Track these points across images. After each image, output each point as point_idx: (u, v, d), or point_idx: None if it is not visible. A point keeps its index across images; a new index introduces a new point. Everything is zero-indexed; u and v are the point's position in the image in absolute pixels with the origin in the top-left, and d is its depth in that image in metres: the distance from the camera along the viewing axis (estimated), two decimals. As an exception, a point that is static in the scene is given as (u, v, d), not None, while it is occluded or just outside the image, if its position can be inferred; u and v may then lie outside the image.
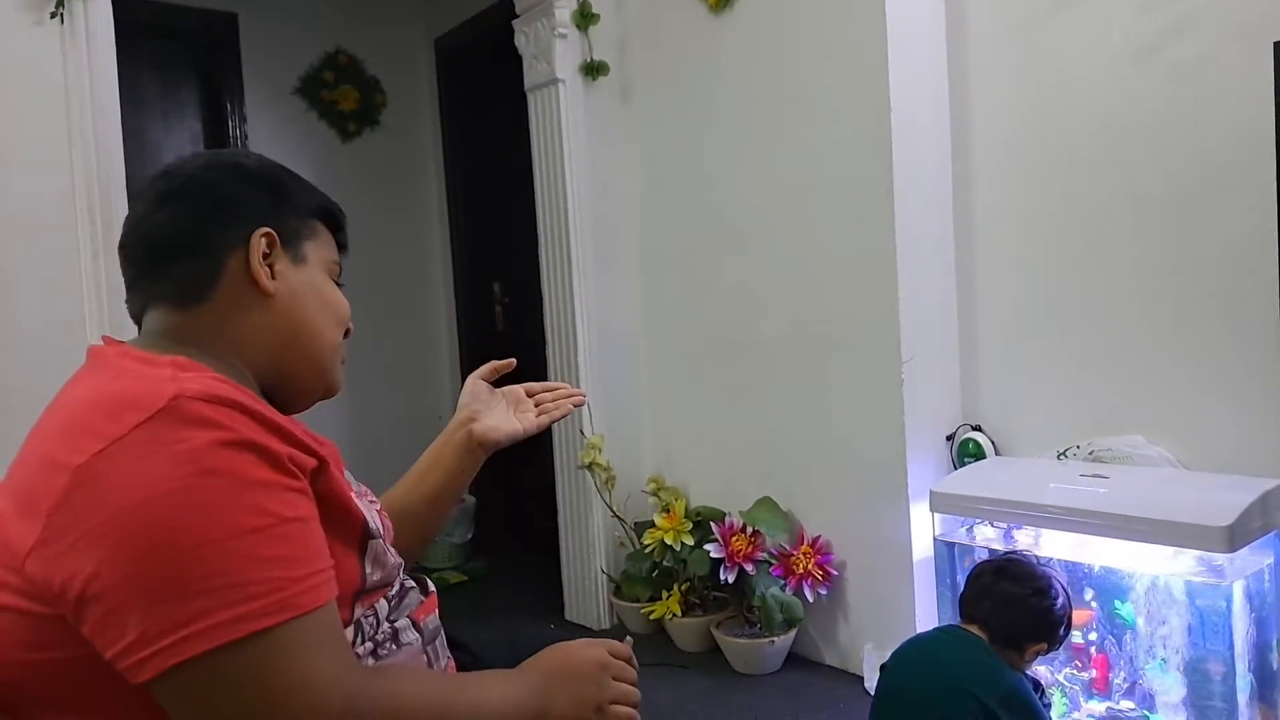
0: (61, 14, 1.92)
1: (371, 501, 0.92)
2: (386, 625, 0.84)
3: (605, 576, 2.71)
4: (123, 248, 0.86)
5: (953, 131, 2.16)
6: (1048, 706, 1.53)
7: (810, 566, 2.21)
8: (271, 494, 0.68)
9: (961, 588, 1.62)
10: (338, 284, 0.93)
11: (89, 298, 1.96)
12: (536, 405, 1.20)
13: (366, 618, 0.82)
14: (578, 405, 1.23)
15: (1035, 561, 1.62)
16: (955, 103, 2.15)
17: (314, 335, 0.87)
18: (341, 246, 0.95)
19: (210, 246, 0.83)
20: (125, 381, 0.72)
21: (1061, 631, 1.54)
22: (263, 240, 0.84)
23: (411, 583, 0.92)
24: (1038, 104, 2.01)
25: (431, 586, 0.96)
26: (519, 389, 1.21)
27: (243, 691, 0.65)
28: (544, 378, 2.79)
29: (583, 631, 2.71)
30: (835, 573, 2.23)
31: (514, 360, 1.24)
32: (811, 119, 2.24)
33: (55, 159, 1.93)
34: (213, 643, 0.63)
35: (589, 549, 2.73)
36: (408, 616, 0.88)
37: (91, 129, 1.97)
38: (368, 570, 0.81)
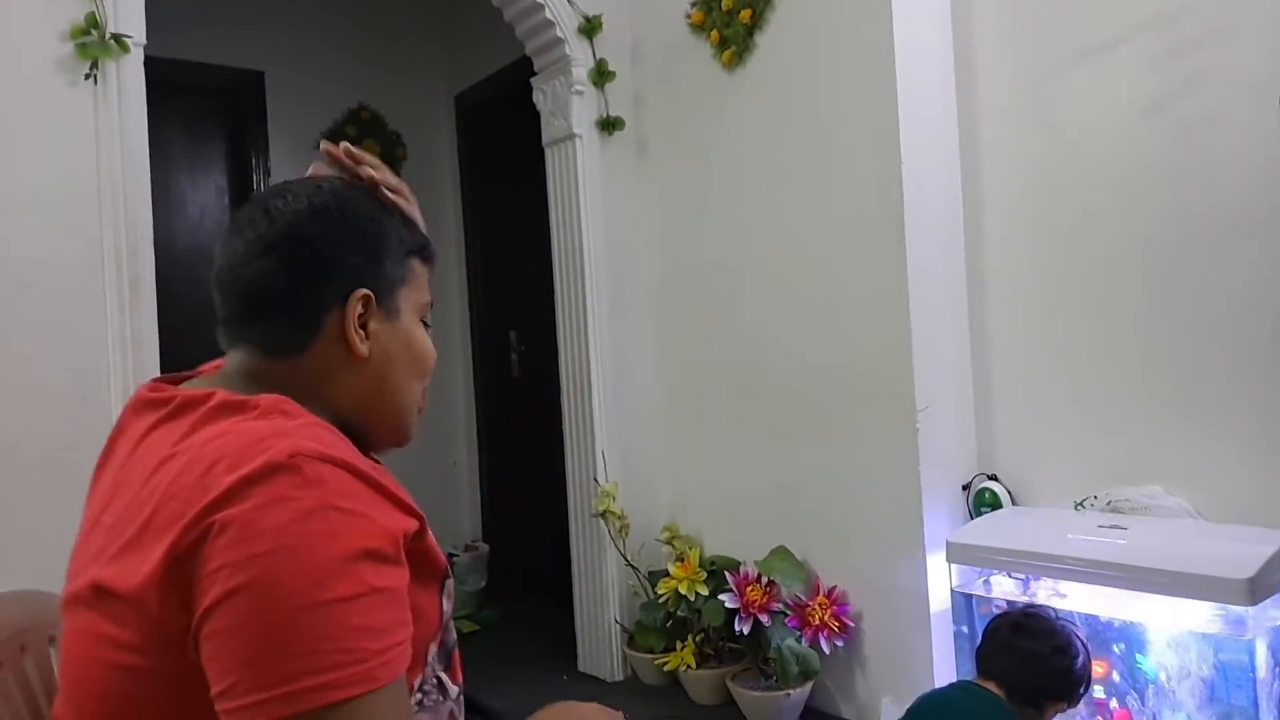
0: (95, 75, 1.99)
1: None
2: (433, 674, 0.85)
3: (619, 626, 2.69)
4: (219, 285, 0.85)
5: (964, 184, 2.19)
6: None
7: (826, 618, 2.19)
8: (369, 564, 0.69)
9: (979, 641, 1.61)
10: (427, 325, 0.93)
11: (114, 349, 1.99)
12: None
13: (423, 678, 0.83)
14: None
15: (1054, 616, 1.61)
16: (966, 155, 2.19)
17: (400, 394, 0.89)
18: (431, 260, 0.95)
19: (309, 305, 0.83)
20: (237, 432, 0.73)
21: (1081, 690, 1.52)
22: (360, 303, 0.84)
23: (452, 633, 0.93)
24: (1048, 157, 2.04)
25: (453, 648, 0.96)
26: None
27: None
28: (559, 424, 2.82)
29: (595, 683, 2.69)
30: (852, 624, 2.21)
31: None
32: (824, 172, 2.28)
33: (85, 214, 1.98)
34: (295, 708, 0.64)
35: (602, 598, 2.72)
36: (446, 674, 0.88)
37: (121, 185, 2.02)
38: (445, 608, 0.83)
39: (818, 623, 2.19)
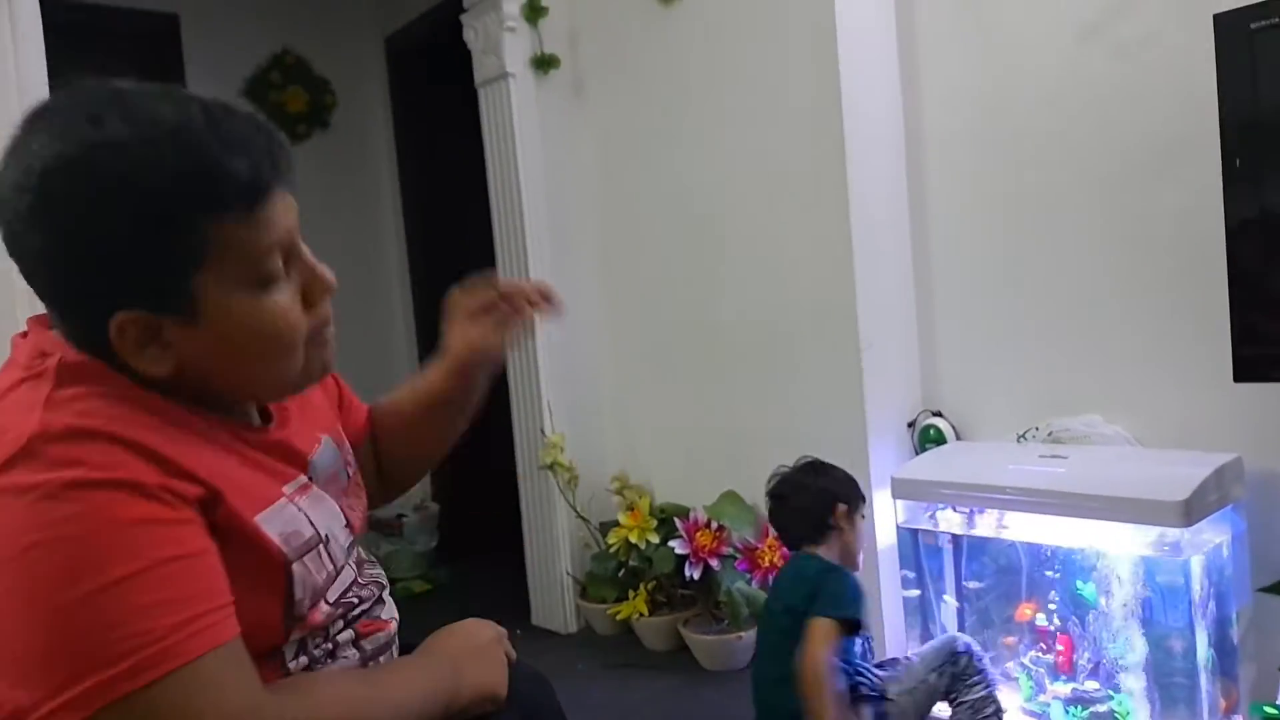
0: (-17, 13, 1.85)
1: (304, 492, 0.83)
2: (327, 644, 0.80)
3: (571, 579, 2.67)
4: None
5: (905, 116, 2.15)
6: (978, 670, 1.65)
7: (776, 559, 2.19)
8: (143, 532, 0.62)
9: (920, 573, 1.62)
10: (271, 279, 0.72)
11: (20, 304, 1.88)
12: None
13: (318, 642, 0.79)
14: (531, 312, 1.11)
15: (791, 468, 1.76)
16: (906, 87, 2.14)
17: (254, 379, 0.75)
18: (261, 196, 0.70)
19: (84, 315, 0.68)
20: (4, 408, 0.66)
21: (840, 489, 1.68)
22: (127, 329, 0.67)
23: (370, 594, 0.88)
24: (987, 85, 2.01)
25: (390, 610, 0.91)
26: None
27: None
28: (504, 377, 2.75)
29: (549, 636, 2.68)
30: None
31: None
32: (763, 107, 2.22)
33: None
34: (94, 706, 0.58)
35: (553, 551, 2.69)
36: (354, 629, 0.84)
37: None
38: (296, 595, 0.75)
39: (767, 565, 2.19)
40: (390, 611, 0.91)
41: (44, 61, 1.94)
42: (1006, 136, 1.99)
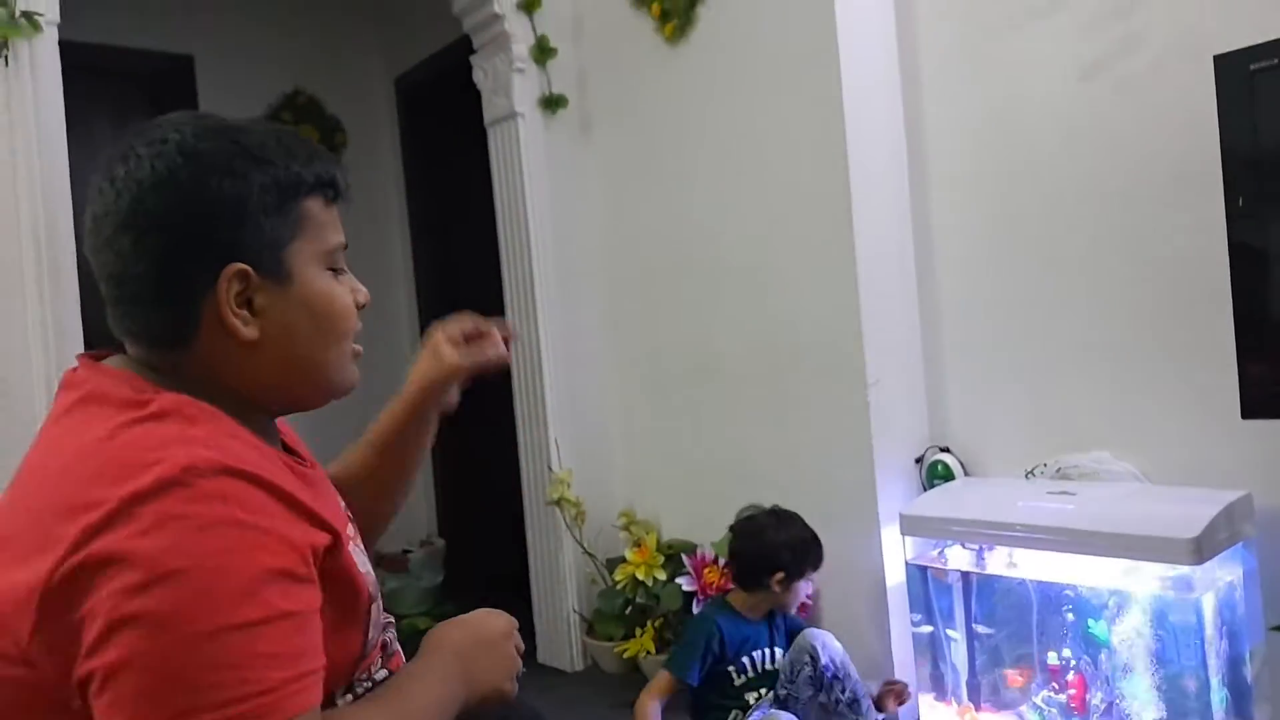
0: (6, 55, 1.89)
1: (357, 534, 0.88)
2: (368, 682, 0.82)
3: (578, 616, 2.65)
4: (90, 253, 0.76)
5: (909, 153, 2.18)
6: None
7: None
8: (276, 584, 0.64)
9: (928, 610, 1.63)
10: (338, 271, 0.82)
11: (34, 338, 1.90)
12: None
13: (360, 680, 0.80)
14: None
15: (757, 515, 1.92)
16: (910, 124, 2.17)
17: (315, 365, 0.80)
18: (337, 198, 0.82)
19: (177, 295, 0.73)
20: (130, 441, 0.66)
21: (785, 556, 1.82)
22: (233, 281, 0.73)
23: (392, 635, 0.91)
24: (991, 123, 2.04)
25: (396, 644, 0.93)
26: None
27: None
28: (510, 409, 2.76)
29: (554, 674, 2.65)
30: (809, 601, 2.20)
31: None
32: (768, 145, 2.25)
33: (2, 197, 1.89)
34: None
35: (560, 588, 2.68)
36: (387, 667, 0.86)
37: (38, 170, 1.92)
38: (370, 637, 0.79)
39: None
40: (396, 644, 0.93)
41: (60, 96, 1.98)
42: (1011, 173, 2.01)
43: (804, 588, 1.89)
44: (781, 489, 2.27)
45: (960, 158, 2.10)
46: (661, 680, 1.81)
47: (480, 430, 3.41)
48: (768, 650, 1.89)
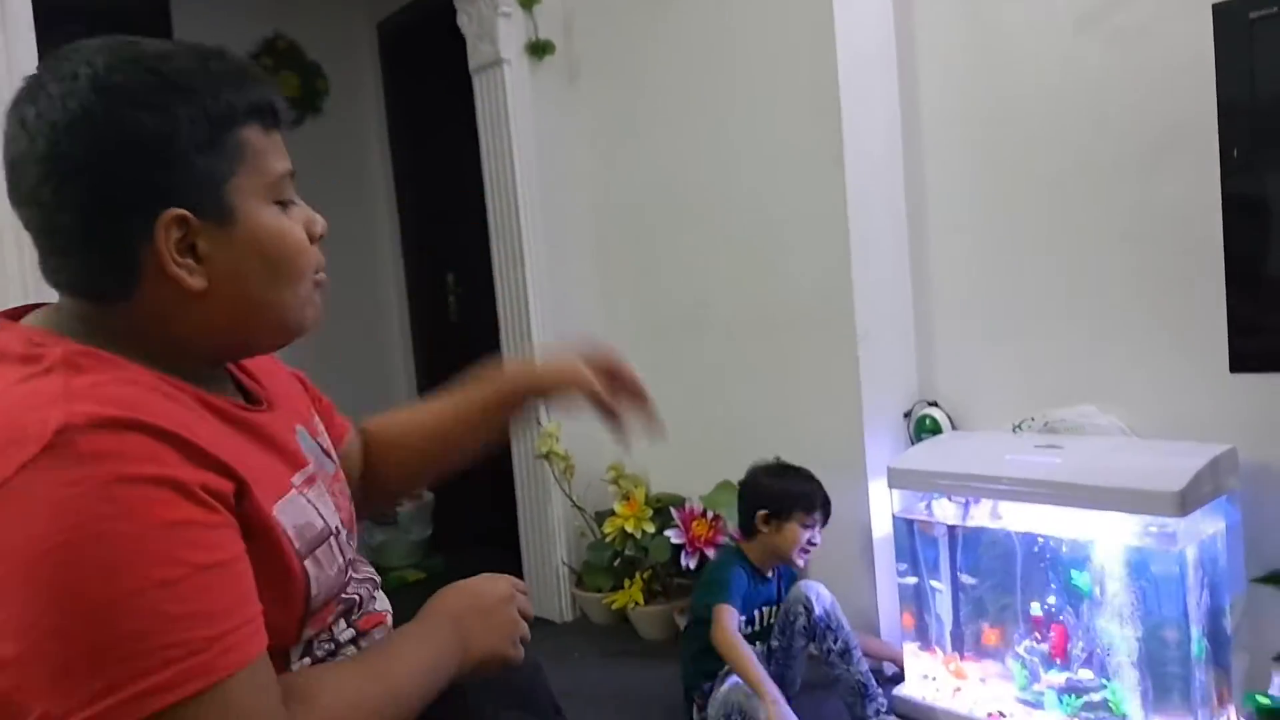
0: (-28, -3, 1.82)
1: (310, 484, 0.81)
2: (329, 644, 0.78)
3: (567, 568, 2.67)
4: (14, 204, 0.69)
5: (901, 104, 2.14)
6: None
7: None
8: (184, 536, 0.60)
9: (915, 562, 1.65)
10: (286, 203, 0.75)
11: (11, 285, 1.86)
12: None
13: (321, 641, 0.77)
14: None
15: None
16: (903, 75, 2.13)
17: (269, 306, 0.73)
18: (277, 123, 0.74)
19: (112, 246, 0.67)
20: (13, 403, 0.62)
21: (768, 495, 1.90)
22: (170, 227, 0.67)
23: (366, 593, 0.86)
24: (985, 75, 2.00)
25: (383, 603, 0.89)
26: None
27: None
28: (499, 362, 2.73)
29: (545, 625, 2.68)
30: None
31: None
32: (758, 94, 2.21)
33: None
34: None
35: (549, 541, 2.69)
36: (354, 626, 0.82)
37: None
38: (312, 590, 0.73)
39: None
40: (383, 604, 0.89)
41: (34, 43, 1.92)
42: (1003, 126, 1.98)
43: (802, 534, 1.89)
44: (772, 443, 2.28)
45: (953, 112, 2.07)
46: (722, 613, 1.80)
47: (468, 383, 3.41)
48: (775, 607, 1.93)
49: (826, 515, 1.94)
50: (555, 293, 2.68)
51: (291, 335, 0.77)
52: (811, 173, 2.11)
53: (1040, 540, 1.79)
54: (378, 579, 0.91)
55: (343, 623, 0.81)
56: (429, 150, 3.50)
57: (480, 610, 0.82)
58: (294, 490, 0.75)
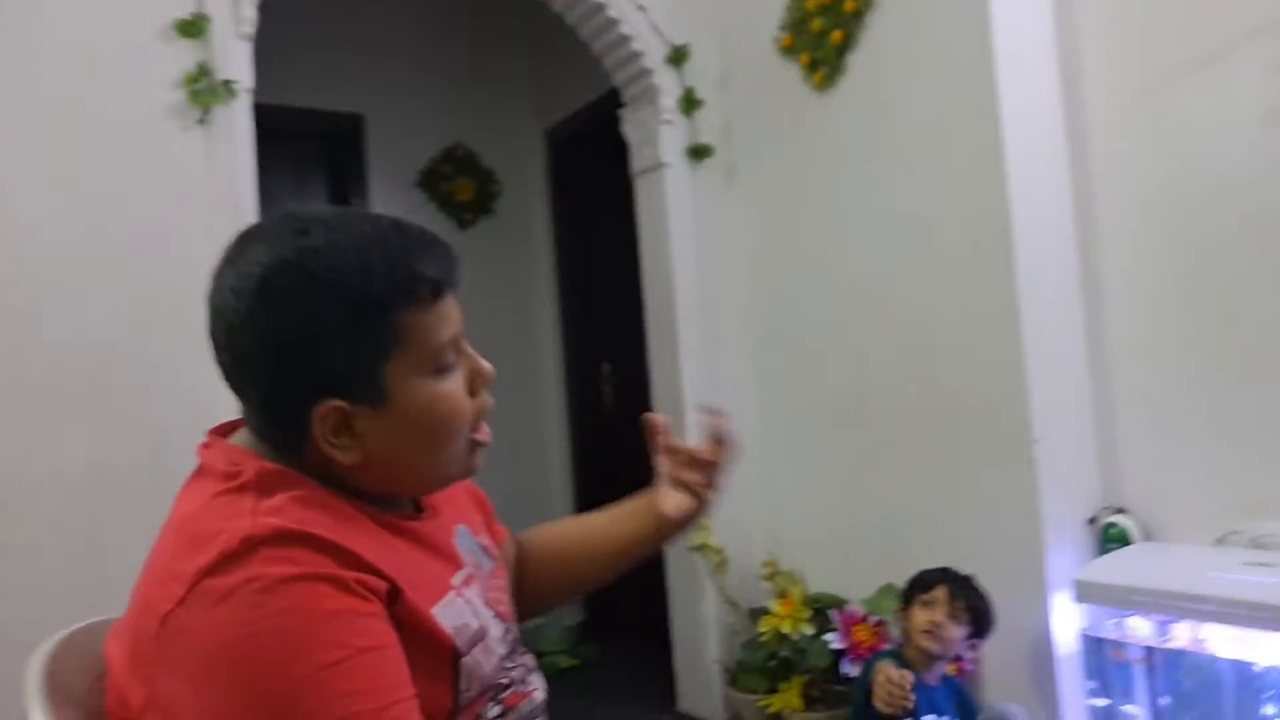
0: (205, 120, 2.07)
1: (467, 585, 0.85)
2: None
3: (719, 666, 2.61)
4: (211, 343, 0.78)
5: (1075, 198, 2.07)
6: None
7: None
8: (345, 624, 0.67)
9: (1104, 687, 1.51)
10: (448, 367, 0.79)
11: (221, 387, 2.04)
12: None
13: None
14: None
15: None
16: (1076, 168, 2.07)
17: (421, 470, 0.80)
18: (439, 292, 0.78)
19: (282, 418, 0.75)
20: (209, 515, 0.71)
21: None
22: (328, 418, 0.74)
23: (519, 675, 0.89)
24: (1163, 168, 1.91)
25: (538, 683, 0.91)
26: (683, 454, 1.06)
27: None
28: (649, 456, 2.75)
29: (696, 723, 2.61)
30: (970, 668, 2.07)
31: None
32: (924, 191, 2.19)
33: (197, 254, 2.02)
34: None
35: (701, 636, 2.64)
36: (501, 703, 0.84)
37: (231, 227, 2.08)
38: (462, 688, 0.78)
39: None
40: (537, 682, 0.91)
41: (253, 158, 2.15)
42: (1185, 219, 1.88)
43: (919, 615, 1.80)
44: (939, 547, 2.17)
45: (1130, 200, 1.98)
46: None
47: (623, 471, 3.45)
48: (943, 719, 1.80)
49: (963, 603, 1.80)
50: (709, 383, 2.70)
51: (451, 480, 0.84)
52: (980, 267, 2.05)
53: (1254, 668, 1.60)
54: (533, 664, 0.93)
55: (492, 703, 0.83)
56: (590, 247, 3.66)
57: None
58: (453, 591, 0.81)
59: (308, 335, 0.72)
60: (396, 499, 0.84)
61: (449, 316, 0.78)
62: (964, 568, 1.90)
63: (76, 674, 0.85)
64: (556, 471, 3.80)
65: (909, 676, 1.63)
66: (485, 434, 0.84)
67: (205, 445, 0.80)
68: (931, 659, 1.80)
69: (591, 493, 3.69)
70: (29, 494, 1.83)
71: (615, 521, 1.07)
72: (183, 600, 0.66)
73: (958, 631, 1.79)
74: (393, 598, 0.72)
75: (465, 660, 0.78)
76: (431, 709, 0.73)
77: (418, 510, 0.87)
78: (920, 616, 1.81)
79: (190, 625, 0.65)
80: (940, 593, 1.81)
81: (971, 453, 2.09)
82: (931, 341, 2.19)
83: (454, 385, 0.79)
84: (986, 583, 2.03)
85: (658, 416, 1.06)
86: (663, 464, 1.05)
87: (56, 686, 0.81)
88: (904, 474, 2.28)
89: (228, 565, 0.66)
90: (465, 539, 0.91)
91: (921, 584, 1.85)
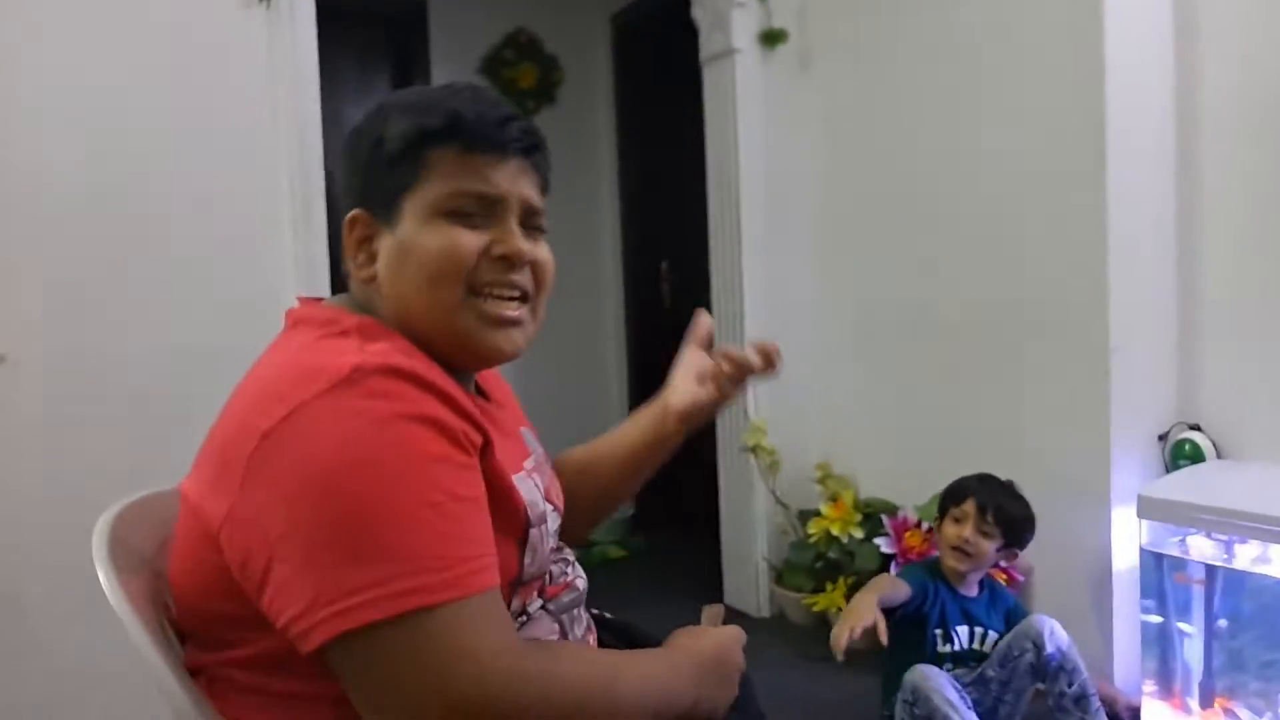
0: (268, 1, 2.03)
1: (536, 472, 0.88)
2: (522, 616, 0.83)
3: (766, 564, 2.64)
4: None
5: (1177, 90, 1.92)
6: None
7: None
8: (447, 470, 0.68)
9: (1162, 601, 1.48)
10: (467, 216, 0.79)
11: (289, 269, 2.07)
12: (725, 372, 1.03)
13: (516, 617, 0.81)
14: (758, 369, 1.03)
15: None
16: (1181, 58, 1.91)
17: (413, 308, 0.79)
18: (475, 147, 0.79)
19: (340, 234, 0.84)
20: (315, 351, 0.74)
21: (965, 489, 1.82)
22: (351, 226, 0.81)
23: (559, 569, 0.90)
24: (1272, 85, 1.75)
25: (577, 573, 0.93)
26: (707, 356, 1.06)
27: (407, 663, 0.64)
28: (708, 351, 2.73)
29: (741, 617, 2.66)
30: (1021, 579, 2.06)
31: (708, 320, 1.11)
32: (1012, 80, 2.06)
33: (261, 136, 2.04)
34: (382, 613, 0.63)
35: (750, 534, 2.67)
36: (543, 595, 0.86)
37: (295, 109, 2.07)
38: (525, 560, 0.80)
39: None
40: (577, 571, 0.93)
41: (315, 39, 2.11)
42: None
43: (949, 529, 1.80)
44: (999, 457, 2.12)
45: (1239, 97, 1.83)
46: (881, 579, 1.78)
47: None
48: (980, 629, 1.80)
49: (992, 516, 1.77)
50: (771, 284, 2.64)
51: (463, 344, 0.79)
52: (1067, 164, 1.93)
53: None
54: (572, 556, 0.95)
55: (536, 595, 0.85)
56: (654, 138, 3.56)
57: (717, 664, 0.85)
58: (524, 471, 0.84)
59: (360, 152, 0.81)
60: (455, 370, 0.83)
61: (485, 173, 0.79)
62: (1025, 480, 1.87)
63: (147, 538, 0.89)
64: (612, 372, 3.81)
65: (867, 628, 1.57)
66: (501, 310, 0.80)
67: (297, 307, 0.84)
68: (963, 570, 1.79)
69: (647, 393, 3.71)
70: (114, 370, 1.89)
71: (629, 427, 1.08)
72: (286, 418, 0.67)
73: (988, 545, 1.77)
74: (484, 451, 0.73)
75: (533, 532, 0.79)
76: (502, 574, 0.74)
77: (482, 396, 0.89)
78: (950, 531, 1.79)
79: (293, 440, 0.67)
80: (969, 506, 1.78)
81: (1042, 361, 2.03)
82: (1007, 245, 2.10)
83: (462, 234, 0.78)
84: (1047, 495, 1.99)
85: (708, 318, 1.07)
86: (690, 355, 1.06)
87: (124, 548, 0.84)
88: (967, 382, 2.22)
89: (337, 390, 0.67)
90: (531, 437, 0.95)
91: (953, 496, 1.82)
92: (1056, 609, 2.00)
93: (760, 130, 2.61)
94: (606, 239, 3.80)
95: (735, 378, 1.02)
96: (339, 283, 2.09)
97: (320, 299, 0.87)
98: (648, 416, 1.06)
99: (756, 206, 2.62)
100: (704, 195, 2.74)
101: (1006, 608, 1.84)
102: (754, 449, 2.56)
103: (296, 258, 2.07)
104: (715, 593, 2.79)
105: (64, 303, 1.86)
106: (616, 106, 3.73)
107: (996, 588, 1.88)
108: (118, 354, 1.89)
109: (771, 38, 2.57)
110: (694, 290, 3.04)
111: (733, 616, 2.69)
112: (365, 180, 0.81)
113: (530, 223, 0.83)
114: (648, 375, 3.70)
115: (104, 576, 0.79)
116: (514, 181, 0.81)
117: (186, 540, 0.75)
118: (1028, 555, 2.04)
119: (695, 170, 2.80)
